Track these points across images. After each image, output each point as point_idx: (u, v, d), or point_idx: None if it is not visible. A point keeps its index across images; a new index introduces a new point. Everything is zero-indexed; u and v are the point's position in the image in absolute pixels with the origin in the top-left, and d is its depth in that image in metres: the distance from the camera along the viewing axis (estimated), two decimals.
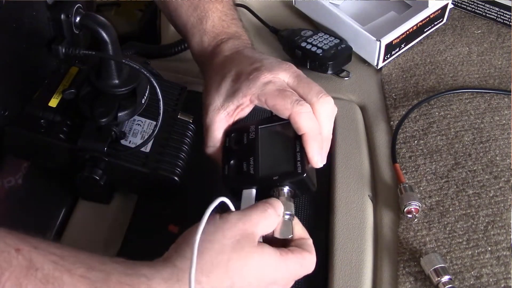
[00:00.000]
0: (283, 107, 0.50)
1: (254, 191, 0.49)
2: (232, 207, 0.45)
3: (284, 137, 0.52)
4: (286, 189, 0.49)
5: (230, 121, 0.55)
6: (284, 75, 0.54)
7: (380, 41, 0.74)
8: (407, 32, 0.77)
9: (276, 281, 0.44)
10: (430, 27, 0.81)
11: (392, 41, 0.75)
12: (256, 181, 0.49)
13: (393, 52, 0.78)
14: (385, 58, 0.77)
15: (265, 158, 0.51)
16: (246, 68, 0.54)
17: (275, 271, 0.44)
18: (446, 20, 0.83)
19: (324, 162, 0.51)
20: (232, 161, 0.52)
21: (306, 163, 0.49)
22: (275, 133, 0.53)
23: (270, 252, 0.43)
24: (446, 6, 0.81)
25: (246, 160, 0.51)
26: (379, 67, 0.77)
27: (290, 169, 0.49)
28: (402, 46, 0.78)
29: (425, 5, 0.80)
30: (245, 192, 0.49)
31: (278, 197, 0.48)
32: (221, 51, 0.60)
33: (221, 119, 0.54)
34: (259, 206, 0.45)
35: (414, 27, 0.78)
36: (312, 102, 0.51)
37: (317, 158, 0.50)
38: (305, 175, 0.48)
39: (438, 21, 0.82)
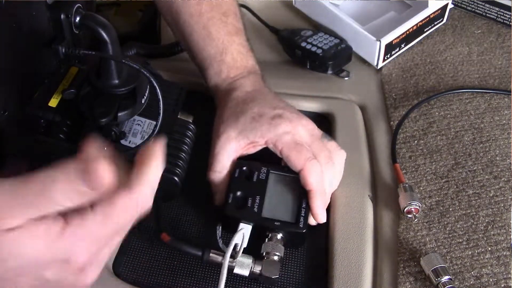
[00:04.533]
0: (296, 161, 0.54)
1: (250, 227, 0.52)
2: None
3: (292, 189, 0.56)
4: (279, 235, 0.52)
5: (239, 153, 0.57)
6: (302, 130, 0.56)
7: (380, 41, 0.74)
8: (407, 32, 0.77)
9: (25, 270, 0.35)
10: (430, 27, 0.81)
11: (392, 41, 0.75)
12: (258, 219, 0.52)
13: (393, 52, 0.78)
14: (385, 58, 0.77)
15: (270, 202, 0.54)
16: (268, 111, 0.57)
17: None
18: (446, 20, 0.83)
19: (325, 220, 0.55)
20: (238, 193, 0.54)
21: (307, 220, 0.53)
22: (284, 182, 0.56)
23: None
24: (446, 6, 0.81)
25: (252, 197, 0.54)
26: (379, 67, 0.77)
27: (293, 221, 0.53)
28: (402, 46, 0.78)
29: (425, 5, 0.80)
30: (242, 225, 0.52)
31: (271, 239, 0.51)
32: (242, 86, 0.62)
33: (231, 149, 0.56)
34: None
35: (414, 27, 0.78)
36: (321, 164, 0.54)
37: (321, 213, 0.54)
38: (305, 231, 0.52)
39: (438, 21, 0.82)
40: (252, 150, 0.58)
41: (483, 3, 0.85)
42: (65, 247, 0.34)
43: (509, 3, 0.83)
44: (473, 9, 0.87)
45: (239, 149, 0.57)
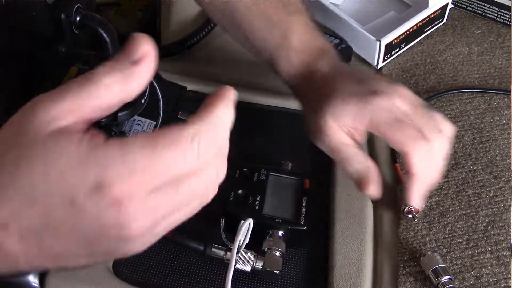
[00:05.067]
0: (399, 141, 0.47)
1: (252, 223, 0.52)
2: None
3: (291, 190, 0.56)
4: (280, 232, 0.52)
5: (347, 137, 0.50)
6: (400, 101, 0.48)
7: (380, 41, 0.74)
8: (407, 32, 0.77)
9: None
10: (430, 27, 0.81)
11: (392, 41, 0.75)
12: (259, 216, 0.53)
13: (393, 52, 0.77)
14: (385, 58, 0.77)
15: (271, 200, 0.55)
16: (356, 89, 0.50)
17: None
18: (446, 20, 0.83)
19: (424, 205, 0.48)
20: (240, 191, 0.55)
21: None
22: (284, 183, 0.57)
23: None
24: (446, 6, 0.81)
25: (253, 195, 0.54)
26: (379, 67, 0.77)
27: (293, 219, 0.53)
28: (402, 46, 0.78)
29: (425, 5, 0.79)
30: (243, 222, 0.52)
31: (272, 236, 0.51)
32: (319, 69, 0.54)
33: (340, 131, 0.50)
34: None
35: (414, 27, 0.78)
36: (429, 138, 0.47)
37: (419, 200, 0.49)
38: (305, 228, 0.52)
39: (438, 21, 0.82)
40: (357, 138, 0.50)
41: (483, 3, 0.85)
42: (100, 167, 0.28)
43: (509, 3, 0.83)
44: (473, 9, 0.87)
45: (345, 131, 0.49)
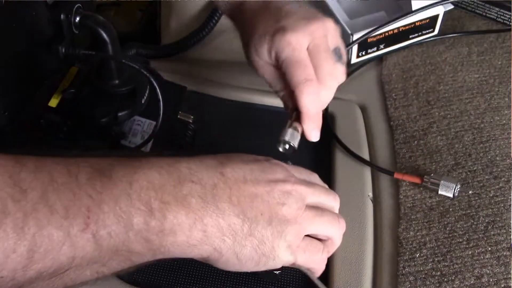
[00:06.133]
0: (291, 80, 0.49)
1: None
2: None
3: None
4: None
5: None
6: (307, 39, 0.50)
7: (353, 35, 0.74)
8: (386, 34, 0.76)
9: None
10: (417, 34, 0.80)
11: (366, 39, 0.75)
12: None
13: (369, 51, 0.77)
14: (360, 55, 0.76)
15: None
16: (270, 26, 0.51)
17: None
18: (438, 32, 0.81)
19: (318, 138, 0.51)
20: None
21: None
22: None
23: None
24: (436, 17, 0.79)
25: None
26: (352, 62, 0.76)
27: None
28: (381, 47, 0.78)
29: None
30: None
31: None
32: (248, 7, 0.56)
33: (262, 64, 0.53)
34: None
35: (395, 31, 0.77)
36: (322, 81, 0.50)
37: (315, 134, 0.51)
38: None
39: (427, 31, 0.80)
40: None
41: (483, 3, 0.85)
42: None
43: (509, 3, 0.83)
44: (473, 9, 0.87)
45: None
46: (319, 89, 0.50)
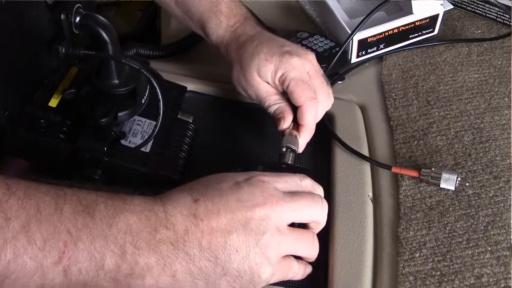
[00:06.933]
0: (300, 97, 0.58)
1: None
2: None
3: None
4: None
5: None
6: (308, 64, 0.60)
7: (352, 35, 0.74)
8: (386, 34, 0.76)
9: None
10: (417, 34, 0.80)
11: (366, 38, 0.75)
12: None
13: (369, 50, 0.77)
14: (360, 54, 0.76)
15: None
16: (276, 50, 0.60)
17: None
18: (438, 32, 0.81)
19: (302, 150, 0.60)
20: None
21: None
22: None
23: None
24: (436, 16, 0.79)
25: None
26: (352, 61, 0.76)
27: None
28: (381, 46, 0.77)
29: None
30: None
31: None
32: (245, 31, 0.65)
33: (265, 80, 0.61)
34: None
35: (395, 30, 0.77)
36: (320, 100, 0.60)
37: (304, 144, 0.60)
38: (305, 227, 0.52)
39: (427, 31, 0.80)
40: (279, 88, 0.61)
41: (483, 3, 0.85)
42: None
43: (509, 3, 0.83)
44: (473, 9, 0.87)
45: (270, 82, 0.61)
46: (317, 106, 0.59)
